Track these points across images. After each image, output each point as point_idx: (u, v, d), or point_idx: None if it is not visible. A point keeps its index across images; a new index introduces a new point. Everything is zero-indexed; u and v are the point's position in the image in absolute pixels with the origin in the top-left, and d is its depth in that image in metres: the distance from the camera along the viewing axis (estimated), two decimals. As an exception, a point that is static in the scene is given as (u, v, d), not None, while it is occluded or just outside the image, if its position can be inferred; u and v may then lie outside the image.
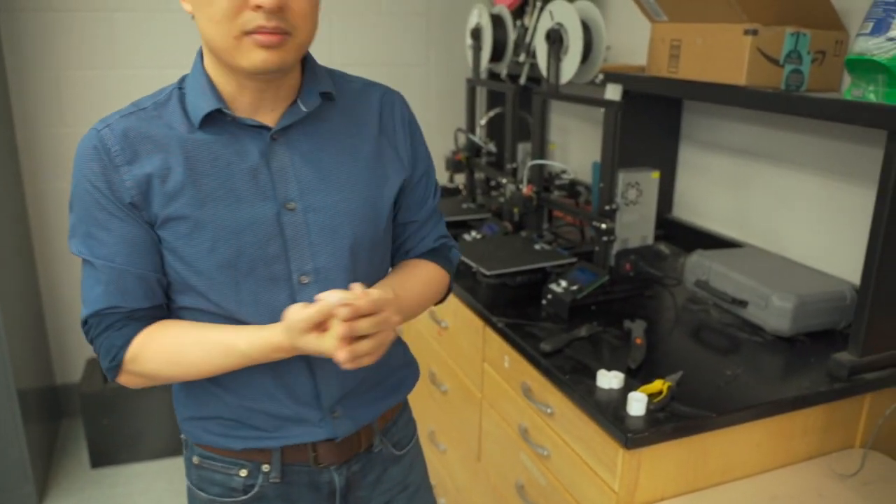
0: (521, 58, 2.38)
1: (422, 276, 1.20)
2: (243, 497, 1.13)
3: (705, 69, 1.72)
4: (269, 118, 1.02)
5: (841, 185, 1.77)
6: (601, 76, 2.00)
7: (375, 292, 0.93)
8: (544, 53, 2.01)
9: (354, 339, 0.91)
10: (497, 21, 2.40)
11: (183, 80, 1.04)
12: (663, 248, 2.20)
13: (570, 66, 1.93)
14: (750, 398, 1.41)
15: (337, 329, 0.90)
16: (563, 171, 2.33)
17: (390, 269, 1.22)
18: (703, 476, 1.41)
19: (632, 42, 2.35)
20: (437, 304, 1.26)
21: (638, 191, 1.81)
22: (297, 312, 0.93)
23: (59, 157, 2.76)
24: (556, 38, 1.91)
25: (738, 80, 1.63)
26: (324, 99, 1.05)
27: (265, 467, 1.12)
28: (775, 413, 1.41)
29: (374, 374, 1.16)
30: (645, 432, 1.28)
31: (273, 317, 0.99)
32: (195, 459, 1.15)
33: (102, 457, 2.69)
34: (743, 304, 1.69)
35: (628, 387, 1.40)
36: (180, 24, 2.76)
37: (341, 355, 0.91)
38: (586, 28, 1.89)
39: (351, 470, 1.17)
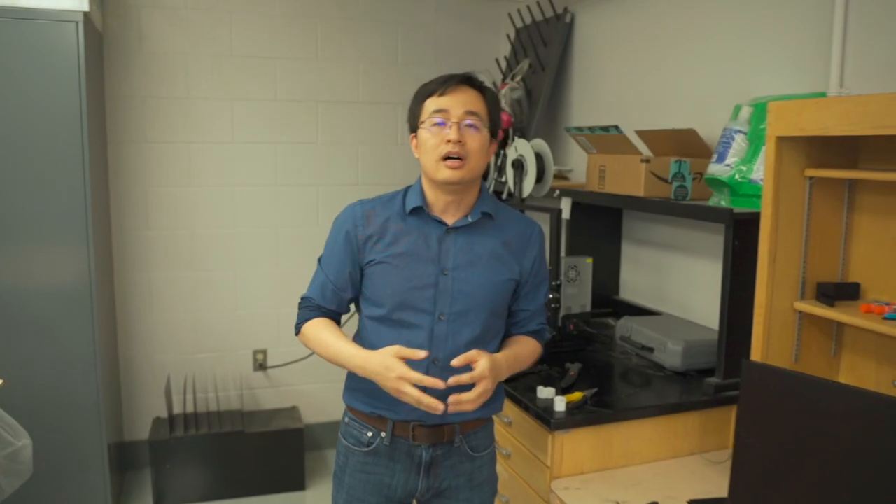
0: (504, 178, 3.14)
1: (528, 347, 1.76)
2: (366, 448, 1.71)
3: (620, 185, 2.46)
4: (450, 219, 1.65)
5: (722, 266, 2.46)
6: (557, 192, 2.75)
7: (479, 367, 1.52)
8: (511, 175, 2.78)
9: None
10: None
11: (406, 189, 1.70)
12: (610, 321, 2.88)
13: (528, 184, 2.68)
14: (641, 404, 2.06)
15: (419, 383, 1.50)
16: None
17: (507, 339, 1.77)
18: (610, 459, 2.03)
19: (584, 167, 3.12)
20: (532, 365, 1.83)
21: (576, 271, 2.51)
22: (403, 373, 1.49)
23: (143, 248, 3.51)
24: (518, 165, 2.68)
25: (638, 193, 2.36)
26: (484, 216, 1.66)
27: (382, 434, 1.69)
28: (659, 414, 2.05)
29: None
30: (563, 419, 1.93)
31: (413, 329, 1.63)
32: (346, 420, 1.77)
33: (163, 498, 3.29)
34: (651, 349, 2.35)
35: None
36: (237, 153, 3.59)
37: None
38: (540, 158, 2.65)
39: (436, 452, 1.69)
